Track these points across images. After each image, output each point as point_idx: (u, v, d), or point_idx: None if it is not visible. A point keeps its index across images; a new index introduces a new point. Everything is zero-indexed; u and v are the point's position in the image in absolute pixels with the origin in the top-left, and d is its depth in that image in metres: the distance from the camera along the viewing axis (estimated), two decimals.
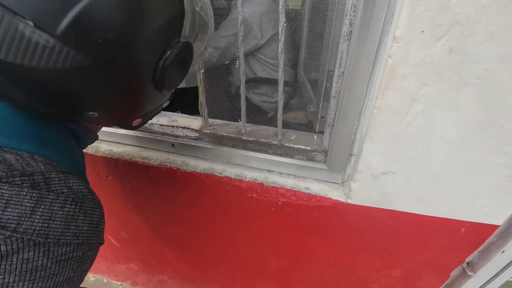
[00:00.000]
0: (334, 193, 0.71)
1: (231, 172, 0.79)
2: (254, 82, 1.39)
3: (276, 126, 0.74)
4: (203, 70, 0.72)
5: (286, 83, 1.44)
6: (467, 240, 0.68)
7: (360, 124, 0.60)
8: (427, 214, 0.65)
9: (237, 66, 1.38)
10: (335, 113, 0.62)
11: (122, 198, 0.92)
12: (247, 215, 0.83)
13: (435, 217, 0.65)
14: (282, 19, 0.56)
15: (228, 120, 0.83)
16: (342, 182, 0.73)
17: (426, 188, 0.60)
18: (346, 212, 0.71)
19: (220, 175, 0.79)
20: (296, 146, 0.72)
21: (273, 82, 1.39)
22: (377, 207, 0.66)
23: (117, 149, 0.84)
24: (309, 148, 0.71)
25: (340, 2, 0.60)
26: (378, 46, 0.50)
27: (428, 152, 0.55)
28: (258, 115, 1.37)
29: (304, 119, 1.24)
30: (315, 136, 0.73)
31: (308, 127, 0.87)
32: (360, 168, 0.62)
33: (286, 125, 0.76)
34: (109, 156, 0.82)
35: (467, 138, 0.51)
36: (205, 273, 1.12)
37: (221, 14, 1.35)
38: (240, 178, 0.78)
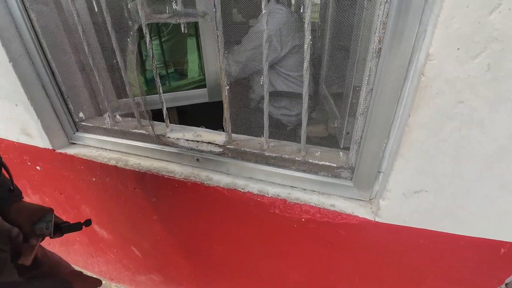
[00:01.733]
0: (361, 211, 0.69)
1: (253, 187, 0.79)
2: (273, 95, 1.39)
3: (297, 140, 0.73)
4: (228, 87, 0.73)
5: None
6: (507, 260, 0.64)
7: (390, 141, 0.59)
8: (462, 234, 0.62)
9: (257, 81, 1.39)
10: (363, 130, 0.61)
11: (147, 210, 0.94)
12: (269, 231, 0.83)
13: (472, 237, 0.61)
14: (308, 36, 0.57)
15: (249, 134, 0.83)
16: (370, 199, 0.71)
17: (461, 206, 0.57)
18: (374, 230, 0.69)
19: (243, 190, 0.79)
20: (320, 163, 0.71)
21: (293, 96, 1.39)
22: (408, 226, 0.64)
23: (145, 163, 0.86)
24: (335, 165, 0.70)
25: (367, 18, 0.60)
26: (409, 63, 0.49)
27: (462, 170, 0.53)
28: (277, 128, 1.37)
29: (324, 133, 1.23)
30: (341, 153, 0.72)
31: (329, 141, 0.86)
32: (390, 186, 0.60)
33: (307, 139, 0.76)
34: (137, 170, 0.84)
35: (504, 155, 0.49)
36: (224, 286, 1.11)
37: (241, 29, 1.38)
38: (262, 194, 0.78)
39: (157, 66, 0.81)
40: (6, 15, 0.77)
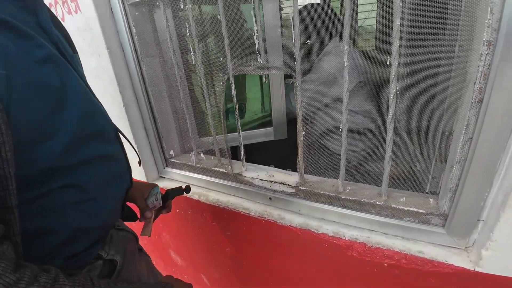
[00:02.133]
0: (457, 259, 0.63)
1: (328, 229, 0.78)
2: (334, 131, 1.39)
3: (361, 176, 0.71)
4: (304, 132, 0.77)
5: (371, 131, 1.40)
6: None
7: (493, 190, 0.54)
8: None
9: (319, 118, 1.41)
10: (459, 179, 0.57)
11: (221, 242, 0.99)
12: (346, 274, 0.79)
13: None
14: (393, 87, 0.58)
15: (319, 171, 0.84)
16: (466, 247, 0.64)
17: None
18: (474, 280, 0.61)
19: (316, 231, 0.78)
20: (406, 208, 0.68)
21: (357, 131, 1.37)
22: None
23: (223, 199, 0.93)
24: (423, 211, 0.66)
25: (458, 65, 0.59)
26: None
27: None
28: (339, 164, 1.34)
29: (395, 170, 1.17)
30: (430, 200, 0.67)
31: (407, 180, 0.82)
32: (495, 237, 0.54)
33: (375, 177, 0.73)
34: (216, 205, 0.92)
35: None
36: None
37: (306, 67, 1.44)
38: (338, 236, 0.76)
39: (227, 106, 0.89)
40: (124, 67, 0.96)
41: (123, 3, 0.87)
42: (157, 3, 0.85)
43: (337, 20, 1.42)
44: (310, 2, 1.80)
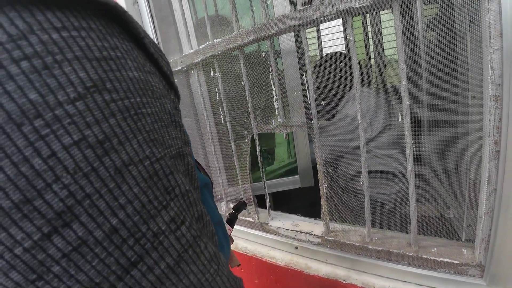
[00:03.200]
0: None
1: (357, 279, 0.75)
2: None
3: (400, 222, 0.69)
4: (326, 185, 0.79)
5: (403, 174, 1.35)
6: None
7: None
8: None
9: (346, 162, 1.41)
10: (490, 229, 0.55)
11: None
12: None
13: None
14: (409, 140, 0.60)
15: (348, 217, 0.83)
16: None
17: None
18: None
19: (344, 282, 0.76)
20: (438, 259, 0.64)
21: (388, 174, 1.34)
22: None
23: (251, 247, 0.95)
24: (457, 262, 0.62)
25: (473, 117, 0.60)
26: None
27: None
28: (374, 207, 1.30)
29: (434, 212, 1.10)
30: (464, 250, 0.63)
31: (441, 224, 0.77)
32: None
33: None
34: (245, 253, 0.93)
35: None
36: None
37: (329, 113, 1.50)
38: (367, 287, 0.73)
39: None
40: None
41: None
42: (192, 71, 1.00)
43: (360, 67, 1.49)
44: (332, 51, 1.93)
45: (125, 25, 0.24)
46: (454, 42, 0.69)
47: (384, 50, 1.84)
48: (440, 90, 0.81)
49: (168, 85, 0.29)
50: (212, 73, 0.92)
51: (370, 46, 1.94)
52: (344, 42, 2.12)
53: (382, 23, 1.76)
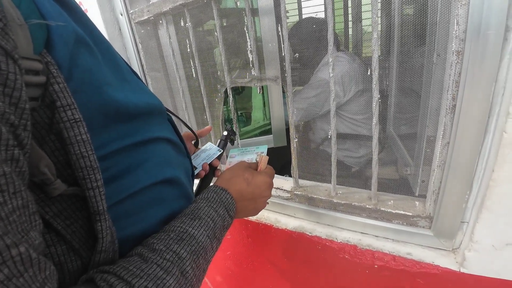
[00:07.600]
0: (443, 261, 0.65)
1: (321, 232, 0.81)
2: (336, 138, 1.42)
3: (362, 182, 0.74)
4: (296, 140, 0.81)
5: (369, 138, 1.42)
6: None
7: (473, 193, 0.56)
8: None
9: (318, 125, 1.45)
10: (440, 182, 0.60)
11: (222, 246, 1.03)
12: (338, 275, 0.81)
13: None
14: (376, 95, 0.61)
15: (314, 175, 0.87)
16: (453, 249, 0.66)
17: None
18: (459, 281, 0.63)
19: (310, 234, 0.81)
20: (394, 211, 0.70)
21: (357, 138, 1.40)
22: (500, 278, 0.57)
23: None
24: (410, 214, 0.68)
25: (436, 72, 0.62)
26: (488, 118, 0.49)
27: None
28: (341, 170, 1.37)
29: (394, 175, 1.18)
30: (416, 203, 0.70)
31: (400, 184, 0.84)
32: (476, 238, 0.56)
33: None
34: None
35: None
36: None
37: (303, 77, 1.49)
38: (331, 239, 0.79)
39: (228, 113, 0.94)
40: None
41: (130, 22, 0.95)
42: (161, 21, 0.92)
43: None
44: (311, 16, 1.87)
45: None
46: (425, 3, 0.69)
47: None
48: (409, 58, 0.83)
49: None
50: (182, 23, 0.86)
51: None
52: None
53: None
